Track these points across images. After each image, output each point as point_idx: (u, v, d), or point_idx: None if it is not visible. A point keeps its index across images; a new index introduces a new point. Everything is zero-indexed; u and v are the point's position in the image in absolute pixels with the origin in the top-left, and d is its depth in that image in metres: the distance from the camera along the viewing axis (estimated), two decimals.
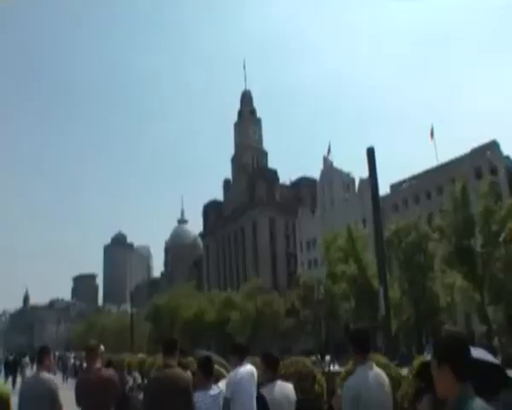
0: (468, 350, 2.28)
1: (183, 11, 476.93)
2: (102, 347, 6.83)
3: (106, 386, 5.68)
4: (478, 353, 2.68)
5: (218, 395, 5.43)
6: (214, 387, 5.51)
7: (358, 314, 46.97)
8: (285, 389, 5.55)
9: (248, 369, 5.69)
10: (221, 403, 5.36)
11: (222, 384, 5.66)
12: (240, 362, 5.74)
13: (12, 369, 32.42)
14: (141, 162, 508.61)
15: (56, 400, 5.79)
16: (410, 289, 44.65)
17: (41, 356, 6.14)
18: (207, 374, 5.51)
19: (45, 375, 5.96)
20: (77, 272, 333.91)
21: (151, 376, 5.68)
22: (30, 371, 26.57)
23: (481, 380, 2.57)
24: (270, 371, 5.52)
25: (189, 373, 5.93)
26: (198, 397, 5.23)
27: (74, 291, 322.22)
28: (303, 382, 9.01)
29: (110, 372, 6.08)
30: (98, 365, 5.89)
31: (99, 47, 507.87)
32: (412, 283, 44.56)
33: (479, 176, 57.70)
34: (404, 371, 7.99)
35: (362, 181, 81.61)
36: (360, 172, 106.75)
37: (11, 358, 38.53)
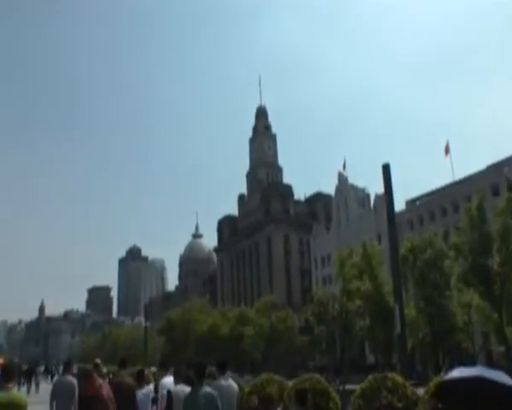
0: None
1: (200, 30, 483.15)
2: (105, 369, 9.25)
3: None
4: (495, 375, 2.66)
5: (148, 392, 9.16)
6: (146, 387, 9.29)
7: (373, 331, 46.49)
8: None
9: (168, 379, 8.71)
10: (150, 397, 9.09)
11: (151, 386, 9.58)
12: (165, 373, 9.58)
13: (27, 378, 32.78)
14: (157, 177, 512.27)
15: (75, 392, 8.50)
16: (426, 307, 43.76)
17: (67, 366, 9.36)
18: (141, 380, 9.30)
19: (69, 377, 8.94)
20: (92, 284, 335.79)
21: (114, 380, 9.15)
22: (44, 380, 27.59)
23: (497, 405, 2.55)
24: (199, 377, 6.77)
25: (132, 380, 9.17)
26: (137, 394, 8.80)
27: (89, 303, 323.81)
28: (318, 398, 8.96)
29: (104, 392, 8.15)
30: (97, 383, 8.09)
31: (122, 71, 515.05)
32: (428, 301, 43.70)
33: (496, 193, 57.07)
34: (420, 392, 7.91)
35: (377, 197, 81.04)
36: (375, 187, 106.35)
37: (26, 367, 38.91)
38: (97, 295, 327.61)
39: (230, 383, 7.37)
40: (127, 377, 8.94)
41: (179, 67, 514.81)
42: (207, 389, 6.42)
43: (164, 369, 10.05)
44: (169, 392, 7.34)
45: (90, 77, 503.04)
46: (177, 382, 7.76)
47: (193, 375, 6.77)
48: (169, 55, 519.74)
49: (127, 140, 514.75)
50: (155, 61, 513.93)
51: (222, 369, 7.49)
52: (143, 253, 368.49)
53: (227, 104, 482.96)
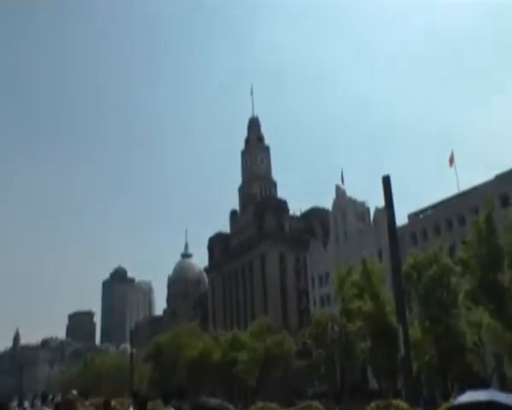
0: None
1: (191, 34, 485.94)
2: (87, 402, 9.46)
3: None
4: (508, 399, 2.57)
5: None
6: None
7: (376, 354, 46.26)
8: None
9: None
10: None
11: None
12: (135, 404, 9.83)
13: None
14: (143, 193, 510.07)
15: None
16: (432, 326, 43.40)
17: (44, 397, 10.68)
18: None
19: (46, 408, 9.93)
20: (73, 310, 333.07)
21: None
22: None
23: None
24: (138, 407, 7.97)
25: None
26: None
27: (69, 330, 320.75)
28: None
29: None
30: None
31: (103, 86, 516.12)
32: (434, 320, 43.41)
33: (505, 204, 56.98)
34: None
35: (377, 211, 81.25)
36: (375, 201, 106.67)
37: None
38: (79, 321, 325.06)
39: None
40: (88, 408, 9.35)
41: (164, 74, 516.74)
42: None
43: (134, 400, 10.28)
44: None
45: (72, 89, 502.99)
46: None
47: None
48: (149, 61, 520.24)
49: (111, 154, 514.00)
50: (137, 69, 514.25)
51: (165, 400, 8.63)
52: (129, 274, 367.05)
53: (217, 115, 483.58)
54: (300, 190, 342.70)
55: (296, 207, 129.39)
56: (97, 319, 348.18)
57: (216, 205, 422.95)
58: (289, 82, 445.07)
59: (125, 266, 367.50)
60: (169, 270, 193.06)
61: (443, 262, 45.54)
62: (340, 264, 60.50)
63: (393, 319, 35.27)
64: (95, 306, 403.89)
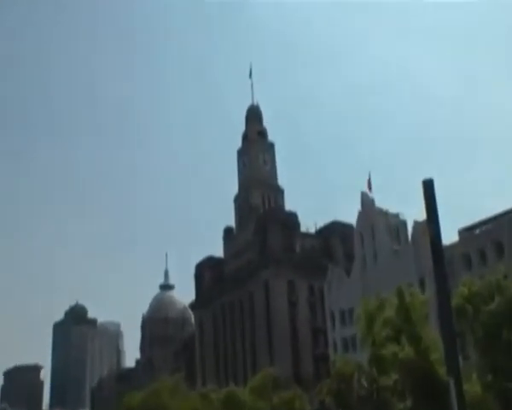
0: None
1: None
2: None
3: None
4: None
5: None
6: None
7: None
8: None
9: None
10: None
11: None
12: None
13: None
14: (109, 207, 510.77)
15: None
16: (496, 381, 42.90)
17: None
18: None
19: None
20: (10, 363, 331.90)
21: None
22: None
23: None
24: None
25: None
26: None
27: (5, 391, 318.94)
28: None
29: None
30: None
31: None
32: (498, 372, 42.93)
33: None
34: None
35: (417, 225, 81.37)
36: (413, 213, 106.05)
37: None
38: (19, 379, 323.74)
39: None
40: None
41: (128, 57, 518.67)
42: None
43: None
44: None
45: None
46: None
47: None
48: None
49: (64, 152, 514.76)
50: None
51: None
52: (90, 314, 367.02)
53: (205, 102, 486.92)
54: (315, 198, 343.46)
55: (310, 222, 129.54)
56: (46, 376, 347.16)
57: (205, 221, 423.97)
58: (299, 60, 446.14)
59: (84, 302, 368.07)
60: (143, 307, 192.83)
61: (509, 293, 44.92)
62: (368, 296, 60.30)
63: (442, 370, 35.10)
64: (42, 357, 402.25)
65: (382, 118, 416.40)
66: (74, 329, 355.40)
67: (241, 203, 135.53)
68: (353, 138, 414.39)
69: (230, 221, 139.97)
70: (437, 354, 41.04)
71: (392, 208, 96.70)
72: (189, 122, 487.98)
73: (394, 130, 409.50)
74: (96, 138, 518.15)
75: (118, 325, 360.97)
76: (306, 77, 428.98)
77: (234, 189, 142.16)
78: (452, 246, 71.05)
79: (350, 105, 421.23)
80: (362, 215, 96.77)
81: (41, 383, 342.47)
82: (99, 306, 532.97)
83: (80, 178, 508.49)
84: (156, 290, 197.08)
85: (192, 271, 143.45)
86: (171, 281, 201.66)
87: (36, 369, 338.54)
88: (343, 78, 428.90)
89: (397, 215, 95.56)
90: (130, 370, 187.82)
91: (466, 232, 79.08)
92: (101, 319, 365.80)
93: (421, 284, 69.90)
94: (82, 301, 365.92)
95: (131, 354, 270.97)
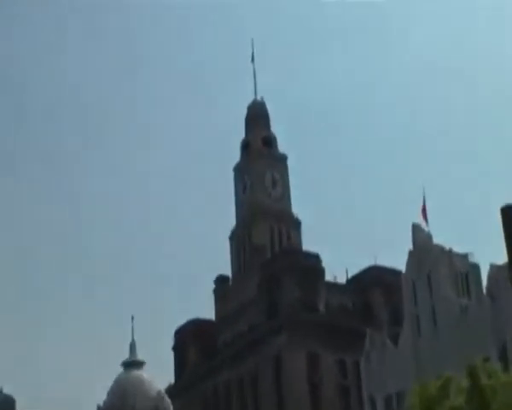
0: None
1: None
2: None
3: None
4: None
5: None
6: None
7: None
8: None
9: None
10: None
11: None
12: None
13: None
14: (50, 243, 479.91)
15: None
16: None
17: None
18: None
19: None
20: None
21: None
22: None
23: None
24: None
25: None
26: None
27: None
28: None
29: None
30: None
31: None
32: None
33: None
34: None
35: (495, 270, 71.29)
36: (488, 252, 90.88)
37: None
38: None
39: None
40: None
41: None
42: None
43: None
44: None
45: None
46: None
47: None
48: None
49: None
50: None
51: None
52: (19, 406, 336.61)
53: (191, 97, 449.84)
54: (344, 233, 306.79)
55: (338, 268, 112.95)
56: None
57: (188, 267, 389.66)
58: (317, 42, 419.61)
59: (10, 391, 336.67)
60: (101, 394, 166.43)
61: None
62: (424, 374, 56.38)
63: None
64: None
65: (440, 118, 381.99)
66: None
67: (241, 242, 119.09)
68: (397, 145, 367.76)
69: (225, 268, 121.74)
70: None
71: (455, 246, 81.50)
72: (174, 123, 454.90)
73: (449, 140, 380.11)
74: None
75: None
76: (326, 62, 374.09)
77: (229, 221, 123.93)
78: None
79: (392, 106, 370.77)
80: (414, 257, 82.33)
81: None
82: (31, 394, 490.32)
83: None
84: (118, 369, 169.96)
85: (170, 340, 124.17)
86: (140, 356, 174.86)
87: None
88: (378, 69, 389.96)
89: (465, 256, 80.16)
90: None
91: None
92: None
93: (503, 356, 62.77)
94: (7, 390, 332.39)
95: None
